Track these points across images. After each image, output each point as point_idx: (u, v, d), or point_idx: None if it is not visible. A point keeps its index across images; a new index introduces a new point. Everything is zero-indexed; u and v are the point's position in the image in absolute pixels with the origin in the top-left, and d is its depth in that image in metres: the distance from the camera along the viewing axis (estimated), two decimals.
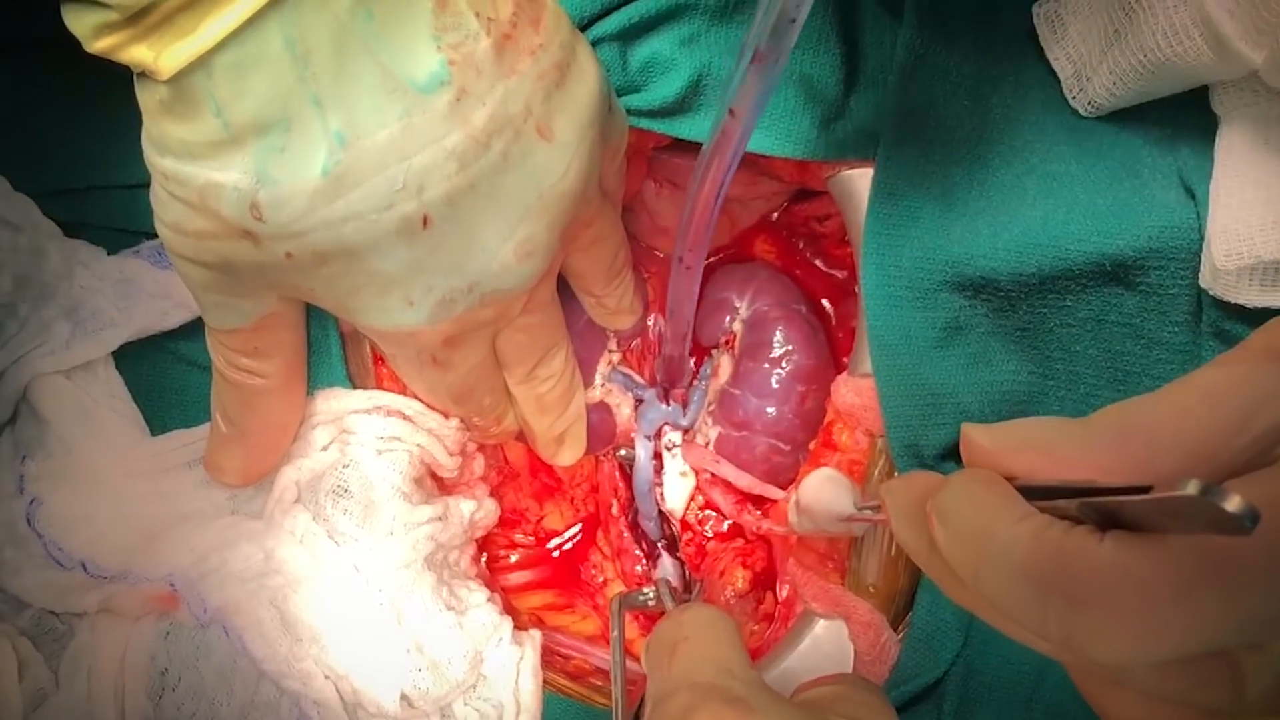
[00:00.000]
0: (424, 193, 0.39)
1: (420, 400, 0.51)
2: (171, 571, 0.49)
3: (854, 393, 0.50)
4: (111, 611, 0.50)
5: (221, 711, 0.48)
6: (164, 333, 0.53)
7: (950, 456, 0.49)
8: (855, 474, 0.51)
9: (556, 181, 0.42)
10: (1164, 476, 0.24)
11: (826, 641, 0.50)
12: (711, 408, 0.59)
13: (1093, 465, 0.27)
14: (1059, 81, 0.48)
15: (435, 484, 0.54)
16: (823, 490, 0.45)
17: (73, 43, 0.36)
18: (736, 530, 0.60)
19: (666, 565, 0.60)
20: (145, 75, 0.37)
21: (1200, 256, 0.45)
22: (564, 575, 0.62)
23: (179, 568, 0.49)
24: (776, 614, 0.55)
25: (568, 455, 0.56)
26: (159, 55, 0.36)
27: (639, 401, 0.59)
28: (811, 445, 0.55)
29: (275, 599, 0.48)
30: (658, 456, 0.60)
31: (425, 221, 0.40)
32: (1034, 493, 0.27)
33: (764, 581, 0.58)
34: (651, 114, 0.49)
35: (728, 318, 0.58)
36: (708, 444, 0.58)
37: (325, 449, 0.50)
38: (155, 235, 0.44)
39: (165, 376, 0.54)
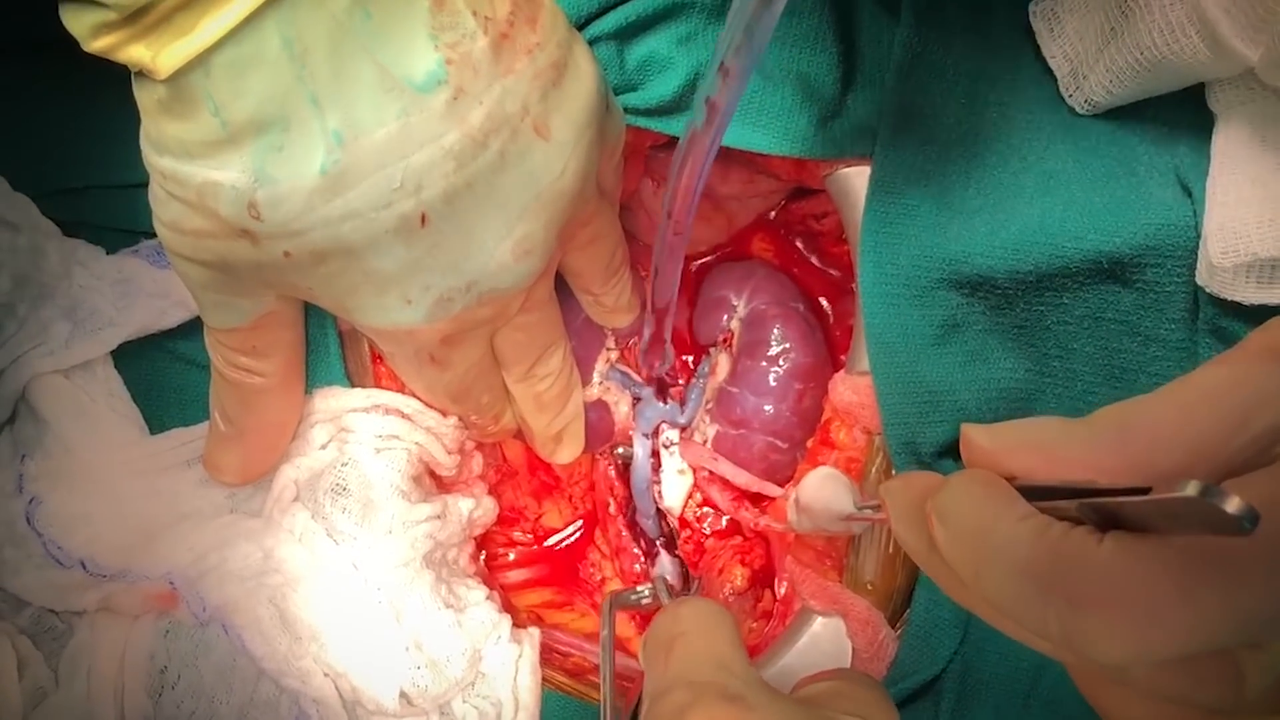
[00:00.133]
0: (422, 191, 0.39)
1: (418, 399, 0.51)
2: (171, 570, 0.49)
3: (851, 390, 0.50)
4: (111, 610, 0.50)
5: (221, 709, 0.48)
6: (163, 332, 0.53)
7: (948, 454, 0.49)
8: (853, 472, 0.51)
9: (554, 180, 0.42)
10: (1164, 476, 0.25)
11: (824, 639, 0.50)
12: (709, 406, 0.59)
13: (1093, 465, 0.27)
14: (1055, 79, 0.48)
15: (434, 482, 0.54)
16: (822, 489, 0.45)
17: (71, 43, 0.36)
18: (735, 528, 0.60)
19: (665, 563, 0.60)
20: (143, 75, 0.37)
21: (1197, 254, 0.45)
22: (562, 573, 0.62)
23: (178, 566, 0.49)
24: (775, 611, 0.55)
25: (566, 453, 0.56)
26: (157, 54, 0.35)
27: (637, 399, 0.59)
28: (809, 443, 0.55)
29: (274, 597, 0.48)
30: (655, 454, 0.60)
31: (423, 220, 0.40)
32: (1034, 493, 0.27)
33: (762, 579, 0.58)
34: (649, 112, 0.49)
35: (725, 316, 0.58)
36: (705, 442, 0.58)
37: (324, 447, 0.50)
38: (154, 234, 0.44)
39: (164, 375, 0.54)
